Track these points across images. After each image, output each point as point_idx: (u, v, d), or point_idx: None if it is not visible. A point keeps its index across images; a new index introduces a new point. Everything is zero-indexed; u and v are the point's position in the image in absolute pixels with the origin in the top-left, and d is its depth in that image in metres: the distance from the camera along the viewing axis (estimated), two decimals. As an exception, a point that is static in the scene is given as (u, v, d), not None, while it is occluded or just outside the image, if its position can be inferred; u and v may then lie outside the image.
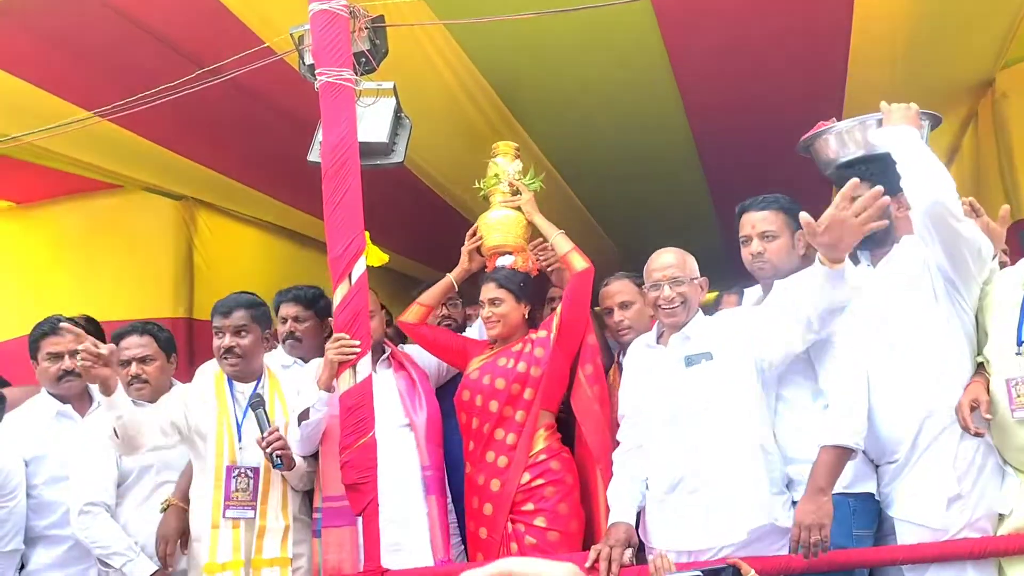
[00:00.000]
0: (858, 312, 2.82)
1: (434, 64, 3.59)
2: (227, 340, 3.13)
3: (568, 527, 3.09)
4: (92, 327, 3.55)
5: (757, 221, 2.90)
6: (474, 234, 3.51)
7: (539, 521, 3.06)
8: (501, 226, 3.43)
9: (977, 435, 2.55)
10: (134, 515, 3.19)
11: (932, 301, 2.72)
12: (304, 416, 3.05)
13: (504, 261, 3.41)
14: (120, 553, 3.06)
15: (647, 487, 2.88)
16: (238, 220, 5.52)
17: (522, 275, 3.38)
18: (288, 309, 3.62)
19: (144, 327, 3.38)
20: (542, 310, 3.60)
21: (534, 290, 3.43)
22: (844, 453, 2.57)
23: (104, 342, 3.33)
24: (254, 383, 3.22)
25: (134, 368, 3.30)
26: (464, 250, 3.51)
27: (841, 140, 3.01)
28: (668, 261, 2.86)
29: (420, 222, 5.12)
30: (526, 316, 3.35)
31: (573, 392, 3.25)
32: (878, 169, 2.85)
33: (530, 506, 3.08)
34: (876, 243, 2.89)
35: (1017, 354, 2.59)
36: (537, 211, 3.42)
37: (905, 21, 3.70)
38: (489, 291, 3.31)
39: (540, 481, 3.10)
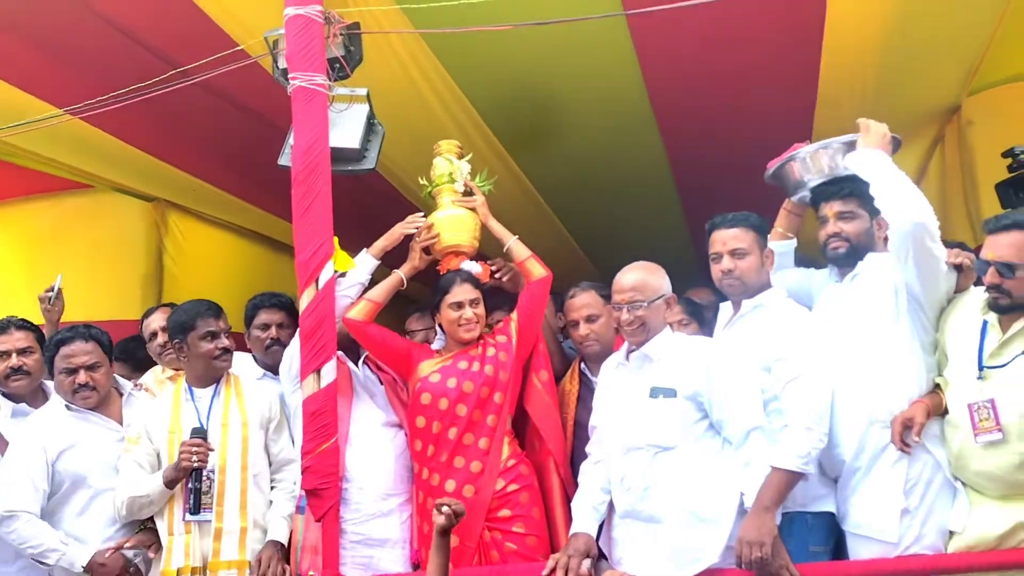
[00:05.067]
0: (823, 328, 2.88)
1: (409, 72, 3.60)
2: (224, 341, 3.21)
3: (542, 531, 3.11)
4: (37, 334, 3.49)
5: (728, 238, 2.92)
6: (422, 230, 3.37)
7: (517, 527, 3.07)
8: (457, 226, 3.37)
9: (902, 451, 2.64)
10: (74, 526, 3.11)
11: (893, 318, 2.77)
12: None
13: (471, 267, 3.36)
14: (53, 548, 3.01)
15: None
16: (209, 223, 5.48)
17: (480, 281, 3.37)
18: (272, 315, 3.61)
19: (88, 332, 3.24)
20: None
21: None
22: (792, 476, 2.62)
23: (43, 346, 3.36)
24: (213, 386, 3.22)
25: (82, 376, 3.17)
26: (415, 246, 3.39)
27: (806, 165, 3.10)
28: (627, 284, 2.85)
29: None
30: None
31: (528, 397, 3.24)
32: (849, 190, 2.93)
33: (506, 512, 3.08)
34: (847, 262, 2.96)
35: (978, 378, 2.64)
36: (490, 214, 3.39)
37: (875, 48, 3.76)
38: (468, 292, 3.24)
39: (514, 487, 3.10)
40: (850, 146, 2.99)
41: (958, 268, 2.84)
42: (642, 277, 2.86)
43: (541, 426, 3.21)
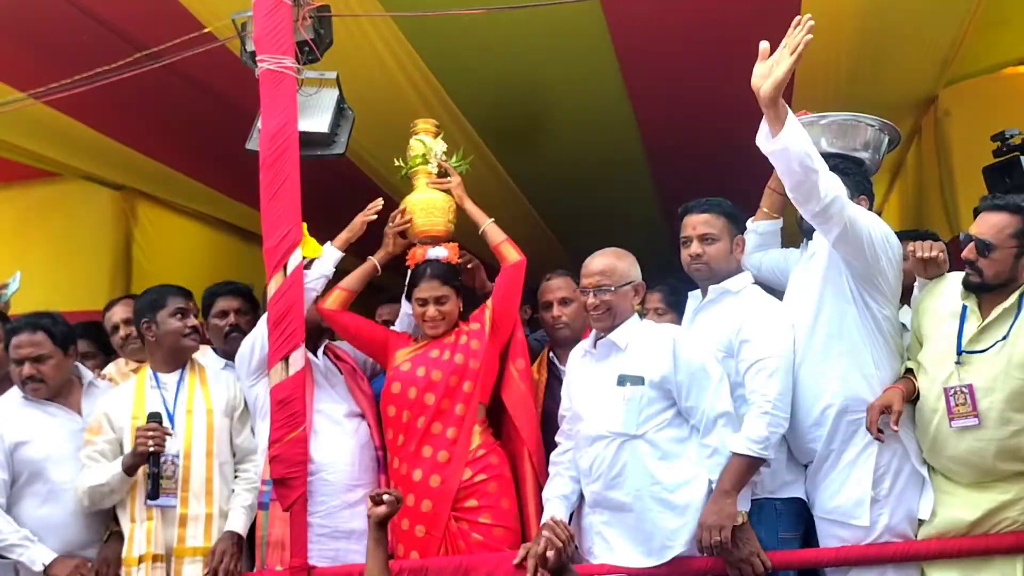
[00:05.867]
0: (789, 311, 2.86)
1: (380, 56, 3.56)
2: (192, 320, 3.18)
3: (511, 521, 3.06)
4: (5, 322, 3.42)
5: (698, 223, 2.91)
6: (398, 215, 3.33)
7: (484, 518, 3.03)
8: (430, 209, 3.30)
9: (877, 439, 2.61)
10: (35, 517, 3.06)
11: (848, 297, 2.73)
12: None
13: (437, 253, 3.28)
14: (17, 544, 2.98)
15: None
16: (179, 212, 5.42)
17: (455, 267, 3.31)
18: (230, 302, 3.55)
19: (38, 322, 3.14)
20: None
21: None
22: (752, 461, 2.60)
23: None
24: (179, 372, 3.16)
25: (27, 368, 3.10)
26: (389, 231, 3.34)
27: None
28: (595, 268, 2.83)
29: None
30: (460, 309, 3.29)
31: (504, 386, 3.21)
32: (833, 164, 2.84)
33: (473, 502, 3.03)
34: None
35: (956, 363, 2.62)
36: (467, 196, 3.33)
37: (850, 37, 3.75)
38: (433, 288, 3.18)
39: (482, 476, 3.06)
40: (850, 123, 2.98)
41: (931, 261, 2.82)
42: (610, 262, 2.83)
43: (515, 415, 3.17)
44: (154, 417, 2.97)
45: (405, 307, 3.41)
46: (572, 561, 2.61)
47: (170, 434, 2.96)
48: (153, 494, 2.91)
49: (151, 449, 2.90)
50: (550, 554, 2.38)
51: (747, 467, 2.60)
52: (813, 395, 2.75)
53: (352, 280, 3.31)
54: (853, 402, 2.70)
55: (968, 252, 2.63)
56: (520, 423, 3.16)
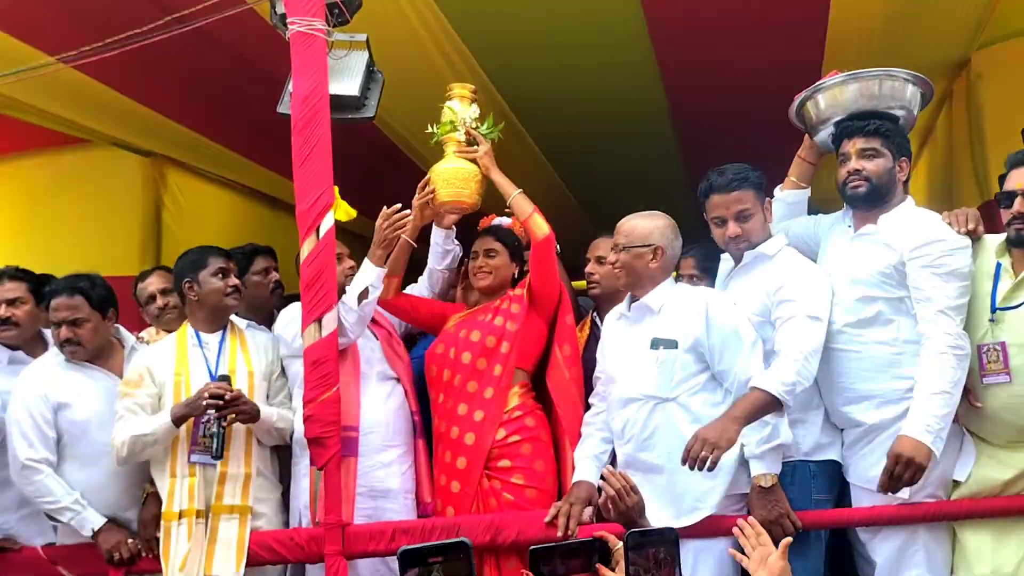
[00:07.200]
0: (830, 277, 2.83)
1: (407, 19, 3.54)
2: (233, 280, 3.22)
3: (544, 483, 3.09)
4: (31, 284, 3.42)
5: (731, 203, 2.83)
6: (424, 186, 3.32)
7: (516, 478, 3.07)
8: (455, 179, 3.27)
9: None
10: (80, 475, 3.11)
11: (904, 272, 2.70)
12: (364, 295, 3.12)
13: (502, 221, 3.41)
14: (68, 508, 3.03)
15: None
16: (208, 180, 5.44)
17: (517, 236, 3.37)
18: (269, 260, 3.67)
19: (75, 285, 3.14)
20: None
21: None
22: (770, 400, 2.56)
23: (41, 296, 3.30)
24: (220, 332, 3.20)
25: (64, 331, 3.11)
26: (415, 203, 3.30)
27: (834, 96, 2.98)
28: (619, 227, 2.88)
29: (388, 181, 5.06)
30: (515, 275, 3.34)
31: (549, 371, 3.22)
32: (875, 127, 2.81)
33: (506, 463, 3.08)
34: (866, 203, 2.82)
35: (991, 320, 2.62)
36: (495, 165, 3.28)
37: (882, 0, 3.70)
38: (486, 242, 3.33)
39: (516, 438, 3.10)
40: (883, 78, 2.92)
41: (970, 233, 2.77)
42: (633, 223, 2.87)
43: (558, 401, 3.16)
44: (225, 379, 2.99)
45: (435, 243, 3.50)
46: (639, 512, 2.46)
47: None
48: (219, 453, 2.92)
49: (205, 405, 2.90)
50: (611, 504, 2.37)
51: (764, 404, 2.56)
52: (864, 368, 2.72)
53: (394, 264, 3.33)
54: (908, 374, 2.65)
55: (1020, 205, 2.58)
56: (563, 410, 3.14)
